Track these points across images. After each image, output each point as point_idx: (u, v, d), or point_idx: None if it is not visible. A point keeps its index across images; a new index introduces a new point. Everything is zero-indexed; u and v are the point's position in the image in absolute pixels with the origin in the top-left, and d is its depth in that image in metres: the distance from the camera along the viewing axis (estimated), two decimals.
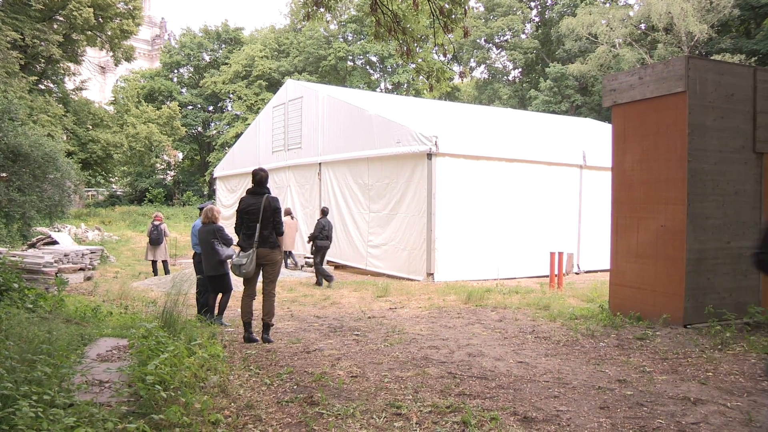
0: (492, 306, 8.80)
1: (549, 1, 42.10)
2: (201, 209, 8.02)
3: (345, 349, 5.89)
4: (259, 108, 36.93)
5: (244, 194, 6.54)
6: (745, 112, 6.84)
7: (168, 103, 40.11)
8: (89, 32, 29.61)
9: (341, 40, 42.84)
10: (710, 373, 4.79)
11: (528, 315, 7.88)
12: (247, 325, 6.36)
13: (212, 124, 47.35)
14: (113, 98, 41.39)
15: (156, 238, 13.59)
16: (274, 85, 40.01)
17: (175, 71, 47.23)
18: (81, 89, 34.34)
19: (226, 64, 43.83)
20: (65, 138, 29.60)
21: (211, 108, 47.16)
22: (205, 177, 43.16)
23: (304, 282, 12.22)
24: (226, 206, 21.87)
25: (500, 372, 4.94)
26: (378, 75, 44.92)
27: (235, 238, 6.74)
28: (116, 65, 35.77)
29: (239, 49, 44.68)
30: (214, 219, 7.67)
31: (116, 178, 43.00)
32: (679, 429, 3.59)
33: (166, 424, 3.28)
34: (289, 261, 15.04)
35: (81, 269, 12.49)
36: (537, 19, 43.68)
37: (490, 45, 42.79)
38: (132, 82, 44.00)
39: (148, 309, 8.23)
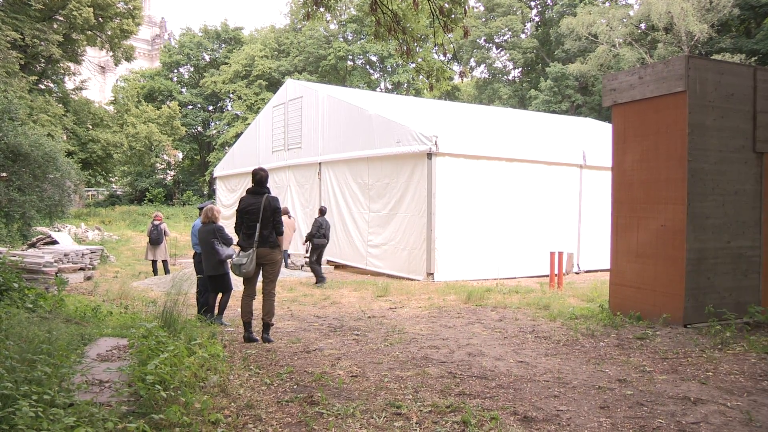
0: (492, 306, 8.80)
1: (549, 1, 42.08)
2: (201, 209, 8.02)
3: (345, 349, 5.89)
4: (259, 108, 36.93)
5: (244, 194, 6.55)
6: (745, 111, 6.84)
7: (168, 102, 40.11)
8: (89, 32, 29.63)
9: (341, 39, 42.85)
10: (710, 373, 4.79)
11: (528, 315, 7.88)
12: (247, 324, 6.36)
13: (212, 124, 47.35)
14: (113, 98, 41.42)
15: (156, 238, 13.59)
16: (274, 85, 40.02)
17: (175, 71, 47.23)
18: (81, 89, 34.37)
19: (226, 63, 43.83)
20: (65, 138, 29.62)
21: (211, 108, 47.16)
22: (205, 177, 43.16)
23: (304, 282, 12.22)
24: (226, 206, 21.87)
25: (500, 372, 4.94)
26: (378, 75, 44.93)
27: (235, 238, 6.74)
28: (116, 65, 35.79)
29: (239, 49, 44.69)
30: (214, 219, 7.67)
31: (116, 177, 43.02)
32: (680, 429, 3.59)
33: (166, 423, 3.28)
34: (288, 261, 15.05)
35: (81, 269, 12.49)
36: (537, 19, 43.68)
37: (490, 45, 42.78)
38: (132, 81, 44.02)
39: (148, 309, 8.23)
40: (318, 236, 11.88)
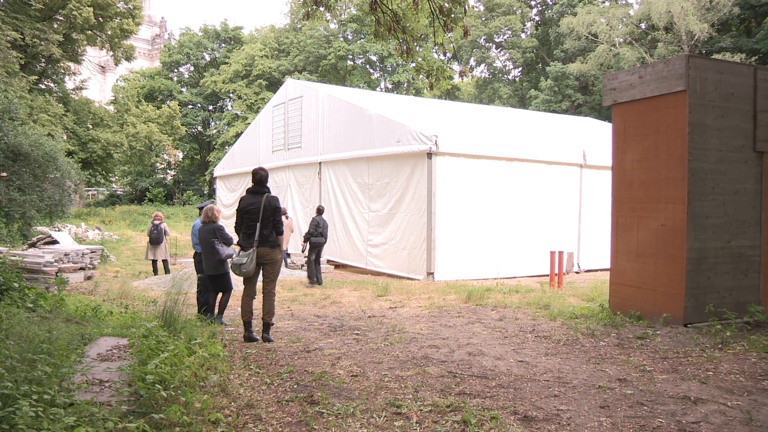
0: (492, 305, 8.80)
1: (549, 0, 42.07)
2: (201, 208, 8.03)
3: (345, 349, 5.89)
4: (259, 107, 36.93)
5: (244, 193, 6.55)
6: (745, 111, 6.83)
7: (168, 102, 40.11)
8: (89, 32, 29.63)
9: (341, 39, 42.84)
10: (710, 373, 4.78)
11: (528, 314, 7.88)
12: (248, 324, 6.36)
13: (212, 124, 47.36)
14: (113, 98, 41.42)
15: (156, 238, 13.60)
16: (274, 85, 40.02)
17: (175, 70, 47.23)
18: (81, 89, 34.37)
19: (226, 63, 43.83)
20: (65, 137, 29.63)
21: (211, 107, 47.16)
22: (206, 176, 43.17)
23: (304, 281, 12.21)
24: (226, 205, 21.88)
25: (500, 371, 4.94)
26: (378, 74, 44.93)
27: (235, 238, 6.74)
28: (116, 65, 35.79)
29: (239, 49, 44.69)
30: (214, 218, 7.68)
31: (116, 177, 43.03)
32: (680, 428, 3.59)
33: (167, 423, 3.28)
34: (288, 260, 15.05)
35: (81, 269, 12.49)
36: (537, 18, 43.65)
37: (490, 44, 42.77)
38: (132, 81, 44.02)
39: (148, 308, 8.23)
40: (315, 235, 11.87)
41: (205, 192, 43.76)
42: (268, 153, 19.72)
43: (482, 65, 43.85)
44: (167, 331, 5.12)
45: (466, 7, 7.45)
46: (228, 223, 11.96)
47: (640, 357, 5.32)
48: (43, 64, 30.33)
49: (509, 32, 40.97)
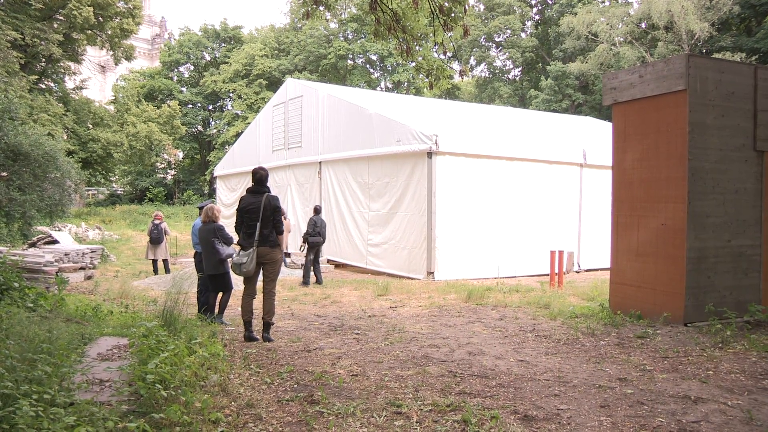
0: (492, 305, 8.80)
1: (549, 0, 42.05)
2: (201, 208, 8.03)
3: (345, 348, 5.89)
4: (259, 107, 36.92)
5: (245, 193, 6.55)
6: (745, 110, 6.83)
7: (168, 102, 40.10)
8: (89, 31, 29.61)
9: (341, 38, 42.82)
10: (711, 372, 4.78)
11: (528, 313, 7.88)
12: (248, 323, 6.36)
13: (212, 123, 47.35)
14: (113, 97, 41.39)
15: (156, 237, 13.61)
16: (274, 84, 40.01)
17: (175, 70, 47.22)
18: (81, 88, 34.35)
19: (226, 63, 43.81)
20: (65, 137, 29.62)
21: (211, 107, 47.16)
22: (206, 176, 43.16)
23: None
24: (226, 205, 21.88)
25: (501, 370, 4.94)
26: (378, 74, 44.92)
27: (236, 237, 6.74)
28: (116, 64, 35.77)
29: (239, 48, 44.68)
30: (215, 218, 7.68)
31: (116, 177, 43.02)
32: (680, 427, 3.59)
33: (167, 422, 3.28)
34: (288, 260, 15.05)
35: (81, 268, 12.49)
36: (537, 17, 43.63)
37: (490, 44, 42.76)
38: (132, 81, 43.99)
39: (148, 308, 8.24)
40: (313, 235, 11.86)
41: (206, 191, 43.76)
42: (268, 152, 19.72)
43: (482, 64, 43.84)
44: (167, 330, 5.12)
45: (466, 6, 7.44)
46: (228, 222, 11.96)
47: (641, 356, 5.32)
48: (43, 64, 30.32)
49: (509, 32, 40.96)
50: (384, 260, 13.81)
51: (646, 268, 6.93)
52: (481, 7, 41.86)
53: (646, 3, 31.24)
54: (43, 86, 31.15)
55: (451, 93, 44.57)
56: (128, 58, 32.83)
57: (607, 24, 33.28)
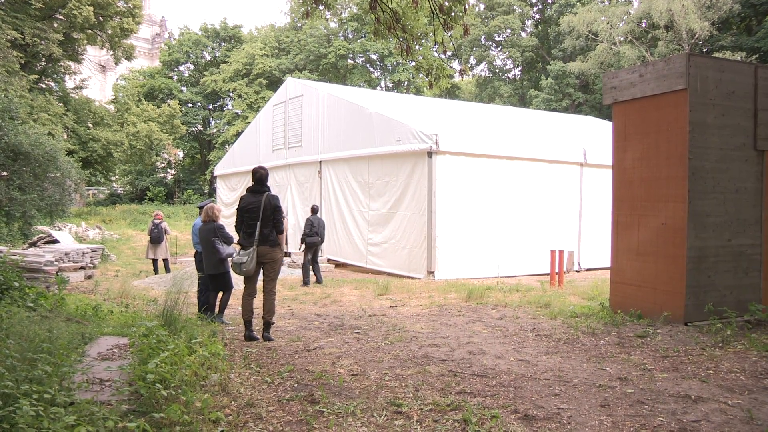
0: (492, 304, 8.80)
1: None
2: (201, 207, 8.03)
3: (346, 348, 5.89)
4: (259, 106, 36.92)
5: (245, 192, 6.55)
6: (746, 109, 6.83)
7: (168, 101, 40.10)
8: (89, 31, 29.60)
9: (342, 38, 42.81)
10: (711, 371, 4.78)
11: (529, 313, 7.88)
12: (248, 323, 6.36)
13: (212, 123, 47.36)
14: (113, 97, 41.39)
15: (157, 237, 13.62)
16: (274, 83, 40.01)
17: (175, 69, 47.22)
18: (81, 88, 34.35)
19: (226, 62, 43.81)
20: (66, 137, 29.61)
21: (211, 106, 47.16)
22: (206, 175, 43.16)
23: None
24: (226, 204, 21.88)
25: (501, 370, 4.94)
26: (378, 73, 44.92)
27: (236, 237, 6.74)
28: (116, 64, 35.74)
29: (239, 48, 44.67)
30: (215, 217, 7.68)
31: (117, 176, 43.03)
32: (680, 427, 3.59)
33: (167, 422, 3.28)
34: (288, 260, 15.04)
35: (82, 268, 12.50)
36: (537, 17, 43.61)
37: (490, 43, 42.74)
38: (132, 80, 43.99)
39: (148, 307, 8.24)
40: (311, 235, 11.87)
41: (206, 191, 43.77)
42: (269, 152, 19.72)
43: (482, 64, 43.84)
44: (168, 330, 5.12)
45: (466, 5, 7.44)
46: (228, 222, 11.95)
47: (641, 356, 5.32)
48: (43, 64, 30.32)
49: (509, 31, 40.94)
50: (384, 260, 13.81)
51: (647, 268, 6.93)
52: (481, 6, 41.84)
53: (646, 2, 31.22)
54: (44, 86, 31.15)
55: (452, 92, 44.55)
56: (128, 58, 32.82)
57: (608, 23, 33.25)
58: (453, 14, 7.27)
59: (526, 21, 42.89)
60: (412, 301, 9.32)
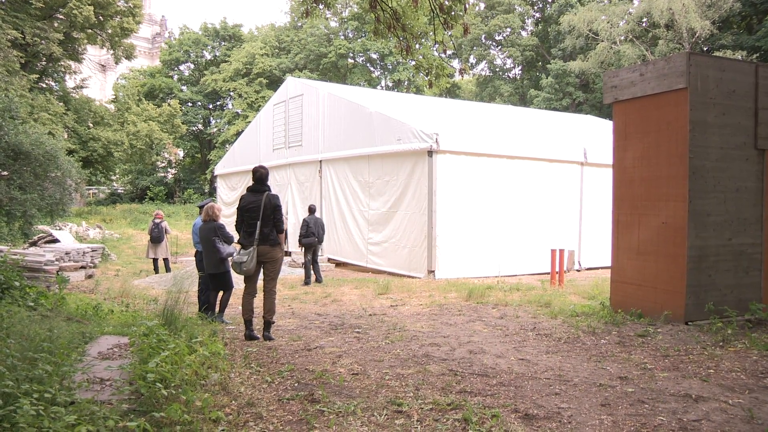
0: (493, 303, 8.80)
1: None
2: (201, 207, 8.03)
3: (346, 347, 5.89)
4: (259, 105, 36.92)
5: (245, 192, 6.55)
6: (746, 108, 6.82)
7: (168, 100, 40.10)
8: (90, 30, 29.58)
9: (342, 37, 42.80)
10: (712, 370, 4.78)
11: (529, 312, 7.88)
12: (248, 322, 6.37)
13: (213, 122, 47.36)
14: (114, 96, 41.37)
15: (157, 236, 13.62)
16: (274, 83, 40.00)
17: (176, 69, 47.22)
18: (82, 87, 34.33)
19: (227, 61, 43.79)
20: (66, 136, 29.60)
21: (211, 105, 47.15)
22: (206, 175, 43.16)
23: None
24: (227, 204, 21.88)
25: (501, 369, 4.94)
26: (379, 72, 44.90)
27: (236, 236, 6.74)
28: (117, 63, 35.73)
29: (239, 47, 44.66)
30: (215, 217, 7.68)
31: (117, 176, 43.03)
32: (681, 426, 3.59)
33: (167, 421, 3.28)
34: (289, 259, 15.05)
35: (82, 267, 12.50)
36: (538, 15, 43.59)
37: (491, 42, 42.73)
38: (132, 79, 43.97)
39: (149, 307, 8.24)
40: (306, 236, 11.89)
41: (206, 190, 43.77)
42: (269, 151, 19.72)
43: (483, 63, 43.82)
44: (168, 329, 5.12)
45: (467, 4, 7.43)
46: (229, 221, 11.95)
47: (641, 355, 5.32)
48: (43, 63, 30.31)
49: (509, 30, 40.92)
50: (384, 259, 13.81)
51: (647, 267, 6.93)
52: (482, 5, 41.83)
53: (646, 1, 31.20)
54: (44, 85, 31.15)
55: (452, 92, 44.55)
56: (129, 57, 32.81)
57: (608, 22, 33.23)
58: (453, 13, 7.27)
59: (527, 20, 42.87)
60: (413, 301, 9.31)
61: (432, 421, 3.69)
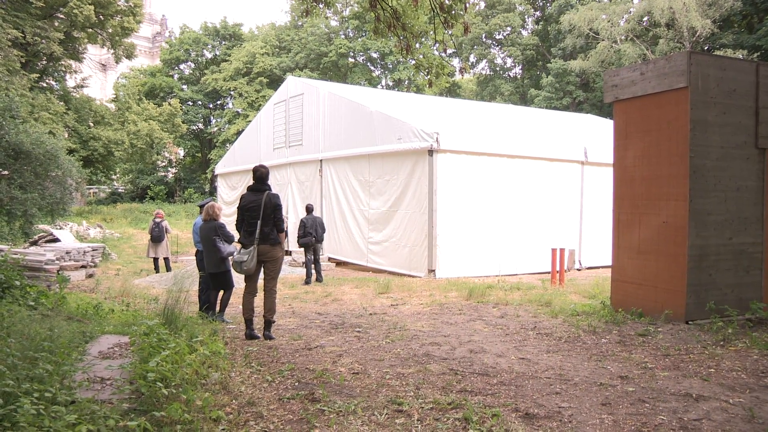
0: (493, 302, 8.79)
1: None
2: (202, 206, 8.03)
3: (346, 346, 5.89)
4: (260, 105, 36.92)
5: (246, 191, 6.55)
6: (747, 107, 6.81)
7: (169, 100, 40.10)
8: (90, 30, 29.59)
9: (342, 36, 42.79)
10: (712, 370, 4.78)
11: (529, 311, 7.88)
12: (249, 322, 6.37)
13: (213, 121, 47.37)
14: (114, 95, 41.39)
15: (157, 236, 13.63)
16: (275, 82, 40.00)
17: (176, 68, 47.22)
18: (82, 87, 34.34)
19: (227, 60, 43.78)
20: (66, 135, 29.61)
21: (211, 105, 47.16)
22: (207, 174, 43.16)
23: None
24: (227, 203, 21.89)
25: (502, 368, 4.93)
26: (379, 72, 44.90)
27: (237, 235, 6.74)
28: (117, 62, 35.71)
29: (240, 46, 44.66)
30: (215, 216, 7.68)
31: (117, 175, 43.02)
32: (681, 425, 3.59)
33: (168, 421, 3.28)
34: (289, 258, 15.05)
35: (83, 267, 12.51)
36: (538, 14, 43.57)
37: (491, 41, 42.71)
38: (133, 79, 43.97)
39: (149, 306, 8.24)
40: (303, 236, 11.91)
41: (207, 190, 43.77)
42: (269, 150, 19.72)
43: (483, 62, 43.81)
44: (168, 328, 5.12)
45: (467, 3, 7.42)
46: (229, 220, 11.95)
47: (642, 354, 5.32)
48: (44, 63, 30.33)
49: (509, 29, 40.90)
50: (385, 258, 13.81)
51: (648, 266, 6.92)
52: (482, 4, 41.81)
53: (647, 0, 31.17)
54: (44, 85, 31.16)
55: (452, 91, 44.54)
56: (129, 57, 32.80)
57: (608, 21, 33.21)
58: (453, 12, 7.26)
59: (527, 19, 42.86)
60: (413, 300, 9.31)
61: (432, 420, 3.69)
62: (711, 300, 6.45)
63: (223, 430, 3.48)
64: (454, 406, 3.93)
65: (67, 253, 12.37)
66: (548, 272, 11.93)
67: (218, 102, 46.91)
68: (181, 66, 47.49)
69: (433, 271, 12.36)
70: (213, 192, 36.40)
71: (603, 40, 33.22)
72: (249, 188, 6.49)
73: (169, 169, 46.46)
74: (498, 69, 44.23)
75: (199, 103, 46.01)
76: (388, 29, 7.47)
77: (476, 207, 12.92)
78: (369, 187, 14.39)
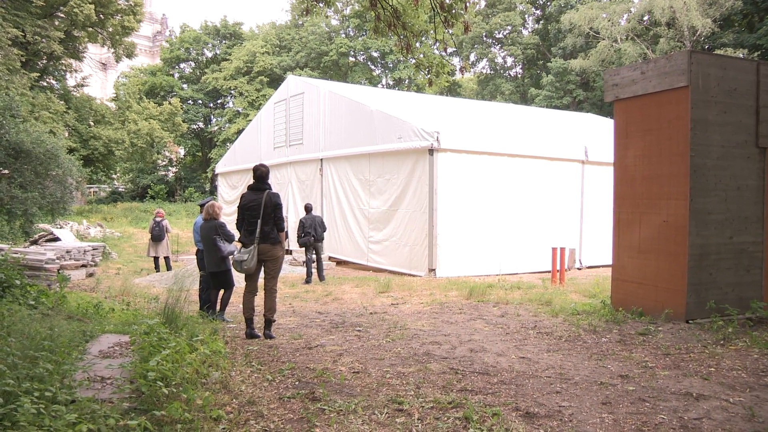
0: (494, 301, 8.79)
1: None
2: (202, 205, 8.04)
3: (347, 345, 5.89)
4: (260, 104, 36.91)
5: (246, 190, 6.55)
6: (748, 106, 6.80)
7: (169, 99, 40.09)
8: (90, 29, 29.57)
9: (343, 35, 42.77)
10: (713, 369, 4.78)
11: (530, 310, 7.88)
12: (249, 321, 6.37)
13: (214, 120, 47.37)
14: (114, 95, 41.39)
15: (158, 235, 13.64)
16: (275, 81, 39.99)
17: (176, 67, 47.21)
18: (82, 86, 34.33)
19: (227, 60, 43.77)
20: (67, 135, 29.62)
21: (212, 104, 47.15)
22: (207, 173, 43.15)
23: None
24: (227, 202, 21.89)
25: (502, 367, 4.93)
26: (379, 71, 44.88)
27: (237, 234, 6.74)
28: (117, 61, 35.72)
29: (240, 45, 44.66)
30: (216, 215, 7.68)
31: (118, 174, 43.03)
32: (682, 424, 3.59)
33: (168, 420, 3.28)
34: (290, 258, 15.05)
35: (83, 266, 12.51)
36: (539, 12, 43.54)
37: (491, 40, 42.69)
38: (133, 78, 43.95)
39: (149, 305, 8.24)
40: (302, 236, 11.93)
41: (207, 189, 43.77)
42: (270, 150, 19.72)
43: (483, 61, 43.80)
44: (169, 328, 5.12)
45: (467, 2, 7.42)
46: (229, 219, 11.95)
47: (642, 353, 5.32)
48: (44, 62, 30.32)
49: (510, 28, 40.88)
50: (385, 257, 13.81)
51: (648, 265, 6.92)
52: (482, 3, 41.80)
53: None
54: (45, 84, 31.15)
55: (453, 90, 44.51)
56: (129, 56, 32.79)
57: (609, 20, 33.19)
58: (454, 11, 7.26)
59: (527, 18, 42.83)
60: (414, 299, 9.32)
61: (433, 419, 3.69)
62: (711, 299, 6.45)
63: (223, 429, 3.49)
64: (454, 405, 3.93)
65: (67, 252, 12.38)
66: (549, 271, 11.93)
67: (218, 101, 46.91)
68: (182, 65, 47.49)
69: (434, 270, 12.36)
70: (213, 191, 36.41)
71: (603, 39, 33.19)
72: (249, 187, 6.49)
73: (170, 168, 46.45)
74: (498, 68, 44.21)
75: (200, 102, 46.01)
76: (389, 28, 7.46)
77: (477, 206, 12.92)
78: (369, 186, 14.39)
